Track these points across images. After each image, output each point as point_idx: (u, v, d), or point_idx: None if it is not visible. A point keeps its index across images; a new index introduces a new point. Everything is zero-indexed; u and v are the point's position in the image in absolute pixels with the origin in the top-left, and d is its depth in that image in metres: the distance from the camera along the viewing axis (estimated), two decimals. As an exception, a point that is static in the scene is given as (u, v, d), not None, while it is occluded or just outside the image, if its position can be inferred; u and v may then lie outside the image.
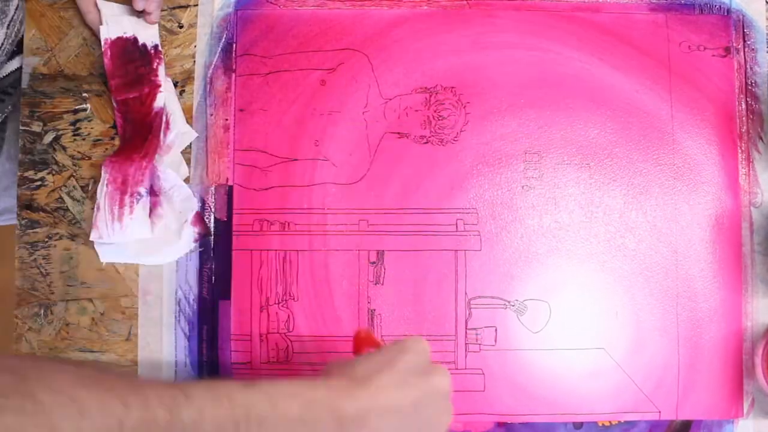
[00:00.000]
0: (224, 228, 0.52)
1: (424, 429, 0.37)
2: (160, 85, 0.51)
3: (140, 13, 0.51)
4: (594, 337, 0.52)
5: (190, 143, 0.53)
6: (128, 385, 0.31)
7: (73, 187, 0.52)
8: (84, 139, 0.53)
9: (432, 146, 0.53)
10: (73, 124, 0.53)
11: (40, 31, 0.53)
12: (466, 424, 0.51)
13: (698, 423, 0.51)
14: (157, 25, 0.52)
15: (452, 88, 0.53)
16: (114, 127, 0.53)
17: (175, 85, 0.53)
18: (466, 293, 0.52)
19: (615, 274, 0.52)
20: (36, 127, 0.53)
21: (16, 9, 0.52)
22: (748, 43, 0.54)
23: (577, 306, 0.52)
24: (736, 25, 0.54)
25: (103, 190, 0.49)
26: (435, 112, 0.53)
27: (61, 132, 0.53)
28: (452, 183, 0.52)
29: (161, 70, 0.52)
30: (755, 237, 0.52)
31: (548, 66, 0.53)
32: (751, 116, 0.53)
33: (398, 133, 0.53)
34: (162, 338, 0.51)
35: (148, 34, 0.52)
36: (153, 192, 0.50)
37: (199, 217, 0.51)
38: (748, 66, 0.54)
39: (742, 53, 0.54)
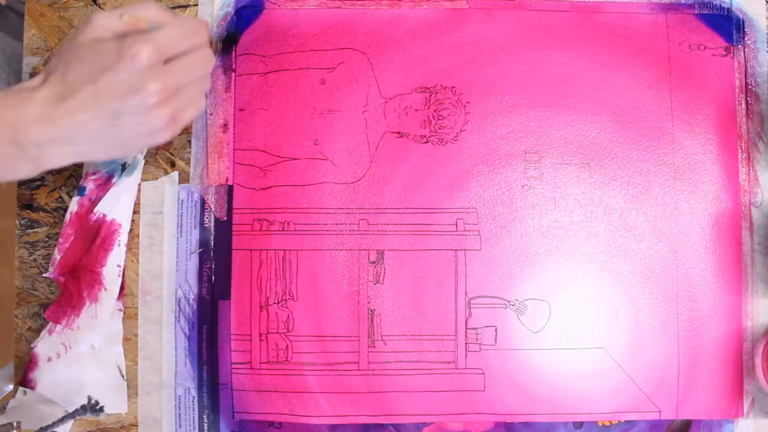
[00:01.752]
0: (224, 228, 0.52)
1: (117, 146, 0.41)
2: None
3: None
4: (594, 337, 0.52)
5: (190, 143, 0.53)
6: None
7: (74, 186, 0.52)
8: (84, 139, 0.53)
9: (432, 146, 0.53)
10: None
11: (40, 31, 0.53)
12: (466, 424, 0.51)
13: (698, 423, 0.51)
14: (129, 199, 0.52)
15: (452, 87, 0.53)
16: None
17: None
18: (466, 293, 0.52)
19: (615, 273, 0.52)
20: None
21: None
22: (748, 42, 0.54)
23: (577, 306, 0.52)
24: (736, 25, 0.54)
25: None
26: (435, 111, 0.53)
27: (61, 132, 0.53)
28: (452, 182, 0.52)
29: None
30: (755, 237, 0.52)
31: (548, 66, 0.53)
32: (751, 116, 0.53)
33: (398, 132, 0.53)
34: (162, 338, 0.51)
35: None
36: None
37: None
38: (748, 66, 0.54)
39: (742, 53, 0.54)
